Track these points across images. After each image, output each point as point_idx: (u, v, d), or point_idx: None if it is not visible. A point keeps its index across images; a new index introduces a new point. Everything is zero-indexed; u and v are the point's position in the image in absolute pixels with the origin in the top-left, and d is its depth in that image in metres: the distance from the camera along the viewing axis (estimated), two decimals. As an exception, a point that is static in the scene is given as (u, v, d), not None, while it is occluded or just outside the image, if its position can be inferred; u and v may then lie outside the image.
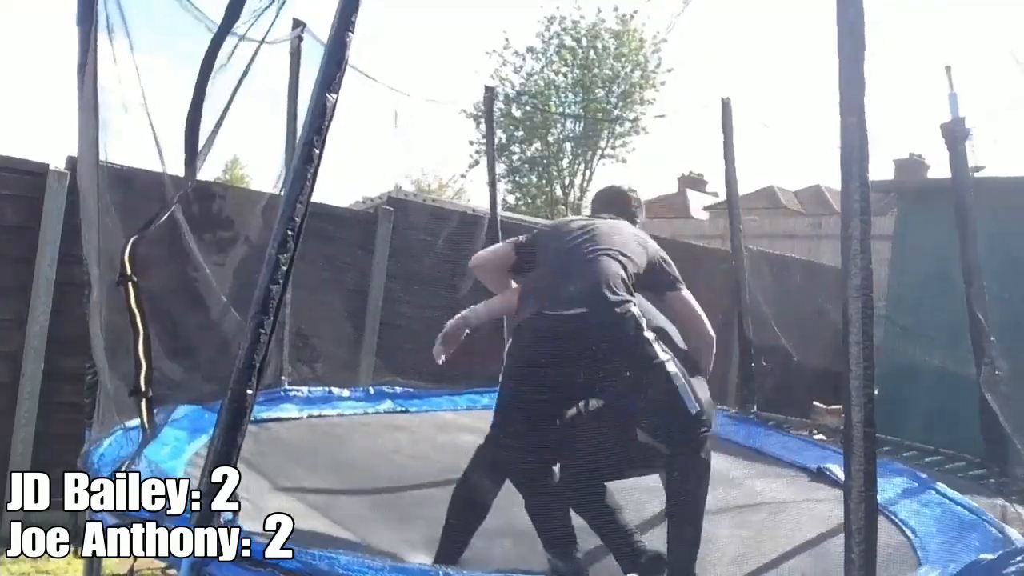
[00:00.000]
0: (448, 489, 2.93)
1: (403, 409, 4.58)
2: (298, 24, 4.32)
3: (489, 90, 6.40)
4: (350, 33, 2.05)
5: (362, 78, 4.54)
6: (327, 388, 4.55)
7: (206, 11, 3.25)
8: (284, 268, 1.98)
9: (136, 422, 2.98)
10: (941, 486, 3.48)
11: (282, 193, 2.40)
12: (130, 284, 2.74)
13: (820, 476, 3.75)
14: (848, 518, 1.80)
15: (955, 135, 3.84)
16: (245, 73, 3.22)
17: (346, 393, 4.57)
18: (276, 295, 1.97)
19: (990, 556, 2.35)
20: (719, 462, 4.05)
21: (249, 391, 1.95)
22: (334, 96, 2.03)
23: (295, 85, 4.41)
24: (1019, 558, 2.33)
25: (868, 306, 1.83)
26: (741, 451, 4.25)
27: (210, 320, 3.64)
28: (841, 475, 3.52)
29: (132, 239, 2.84)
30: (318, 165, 2.02)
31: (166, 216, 3.11)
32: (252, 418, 2.00)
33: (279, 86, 4.39)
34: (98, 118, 2.95)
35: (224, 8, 3.06)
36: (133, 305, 2.72)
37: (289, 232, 1.98)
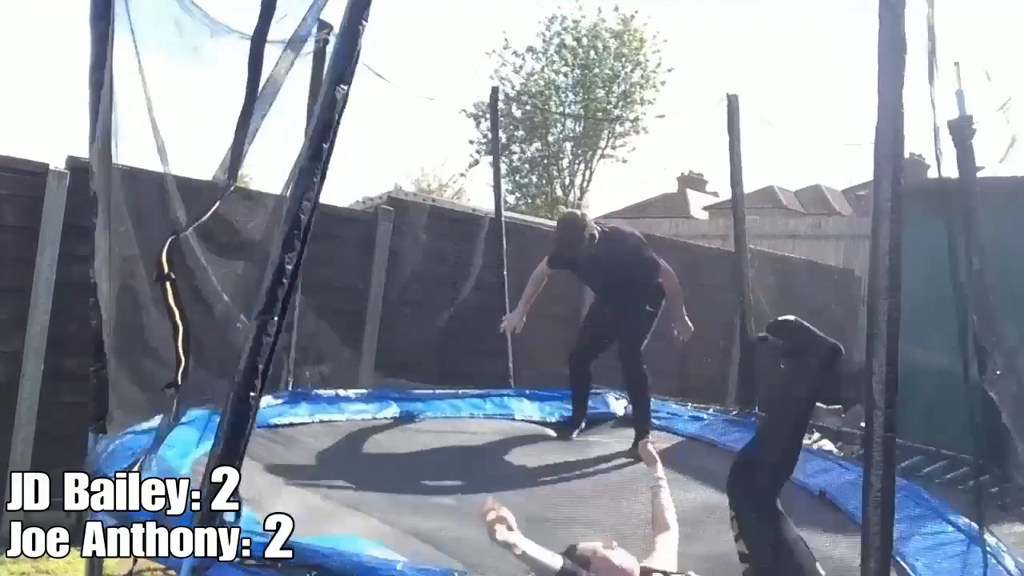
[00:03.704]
0: (449, 490, 2.94)
1: (408, 414, 4.57)
2: (324, 26, 4.30)
3: (495, 90, 6.38)
4: (364, 22, 2.01)
5: (363, 80, 4.51)
6: (334, 391, 4.54)
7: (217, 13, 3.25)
8: (290, 268, 1.97)
9: (146, 424, 2.99)
10: (936, 503, 3.43)
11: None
12: (168, 283, 2.74)
13: (822, 499, 3.73)
14: (866, 520, 1.79)
15: (962, 132, 3.83)
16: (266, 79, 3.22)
17: (352, 395, 4.56)
18: (282, 295, 1.96)
19: None
20: (718, 471, 4.03)
21: (253, 392, 1.95)
22: (345, 87, 2.00)
23: (317, 88, 4.37)
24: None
25: (895, 308, 1.78)
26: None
27: (221, 324, 3.64)
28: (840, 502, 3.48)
29: (170, 238, 2.85)
30: (327, 162, 2.00)
31: (207, 216, 3.08)
32: (257, 422, 2.00)
33: (299, 91, 4.35)
34: (111, 118, 2.93)
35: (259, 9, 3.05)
36: (172, 302, 2.73)
37: (296, 231, 1.97)
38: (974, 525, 3.18)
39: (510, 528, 2.50)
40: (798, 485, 3.89)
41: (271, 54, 3.28)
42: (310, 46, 4.09)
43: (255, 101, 3.09)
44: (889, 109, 1.84)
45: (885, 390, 1.80)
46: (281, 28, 3.23)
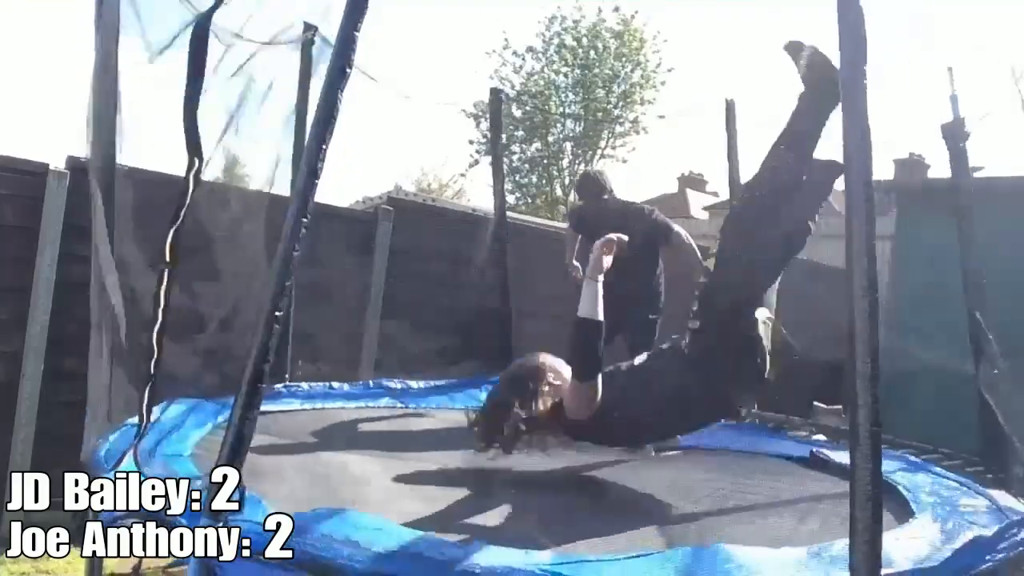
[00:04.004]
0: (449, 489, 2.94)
1: (403, 406, 4.60)
2: (309, 27, 4.35)
3: (495, 92, 6.29)
4: (357, 33, 2.07)
5: (364, 79, 4.53)
6: (327, 383, 4.56)
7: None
8: (294, 263, 2.01)
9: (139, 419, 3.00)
10: (935, 468, 3.51)
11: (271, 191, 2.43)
12: (165, 272, 2.76)
13: (813, 460, 3.77)
14: (854, 517, 1.79)
15: (955, 136, 3.86)
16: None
17: (346, 387, 4.58)
18: (288, 291, 2.00)
19: (989, 532, 2.38)
20: (711, 460, 4.05)
21: (260, 385, 1.97)
22: (341, 93, 2.06)
23: (305, 87, 4.42)
24: (1016, 531, 2.35)
25: (873, 306, 1.82)
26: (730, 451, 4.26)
27: (209, 314, 3.65)
28: (833, 456, 3.58)
29: (174, 227, 2.87)
30: (323, 162, 2.05)
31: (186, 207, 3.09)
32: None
33: (287, 88, 4.38)
34: (115, 119, 2.95)
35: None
36: (162, 292, 2.74)
37: (301, 228, 2.01)
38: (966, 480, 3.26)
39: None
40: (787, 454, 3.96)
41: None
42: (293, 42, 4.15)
43: (200, 82, 3.10)
44: (855, 111, 1.86)
45: (869, 385, 1.81)
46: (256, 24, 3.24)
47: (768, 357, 2.97)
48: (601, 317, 2.85)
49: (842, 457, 3.59)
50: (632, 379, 3.02)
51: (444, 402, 4.73)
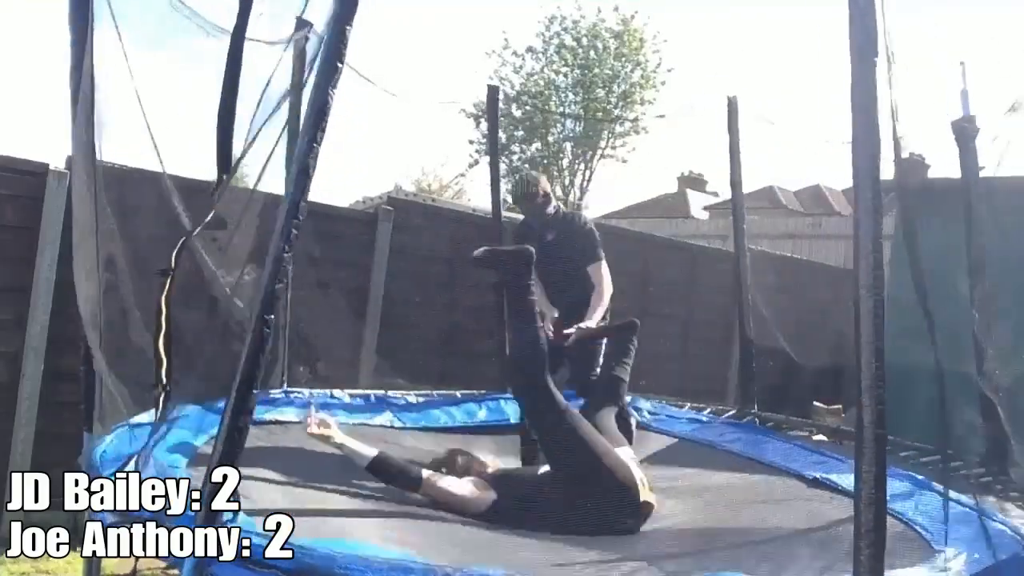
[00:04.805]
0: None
1: (401, 425, 4.53)
2: (303, 24, 4.33)
3: (492, 89, 6.24)
4: (349, 27, 2.06)
5: (363, 79, 4.51)
6: (328, 391, 4.51)
7: (202, 11, 3.26)
8: (287, 266, 2.00)
9: (138, 419, 3.00)
10: (938, 486, 3.46)
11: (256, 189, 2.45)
12: (168, 280, 2.77)
13: (817, 484, 3.73)
14: (857, 520, 1.78)
15: (965, 132, 3.81)
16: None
17: (347, 399, 4.52)
18: (280, 293, 1.99)
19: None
20: (715, 470, 4.03)
21: (253, 389, 1.96)
22: (333, 91, 2.05)
23: (299, 84, 4.40)
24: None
25: (879, 306, 1.81)
26: (736, 461, 4.23)
27: (207, 320, 3.64)
28: (839, 481, 3.55)
29: (183, 239, 2.89)
30: (315, 161, 2.05)
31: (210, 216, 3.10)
32: (253, 419, 2.00)
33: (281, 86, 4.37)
34: (93, 117, 2.95)
35: (236, 11, 3.09)
36: (163, 301, 2.75)
37: (293, 230, 2.00)
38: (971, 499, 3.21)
39: (327, 426, 3.26)
40: (792, 472, 3.93)
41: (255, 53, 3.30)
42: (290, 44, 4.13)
43: (235, 98, 3.11)
44: (863, 110, 1.85)
45: (874, 386, 1.79)
46: (260, 27, 3.25)
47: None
48: (372, 453, 3.21)
49: (847, 481, 3.55)
50: (520, 498, 3.20)
51: (442, 417, 4.69)
